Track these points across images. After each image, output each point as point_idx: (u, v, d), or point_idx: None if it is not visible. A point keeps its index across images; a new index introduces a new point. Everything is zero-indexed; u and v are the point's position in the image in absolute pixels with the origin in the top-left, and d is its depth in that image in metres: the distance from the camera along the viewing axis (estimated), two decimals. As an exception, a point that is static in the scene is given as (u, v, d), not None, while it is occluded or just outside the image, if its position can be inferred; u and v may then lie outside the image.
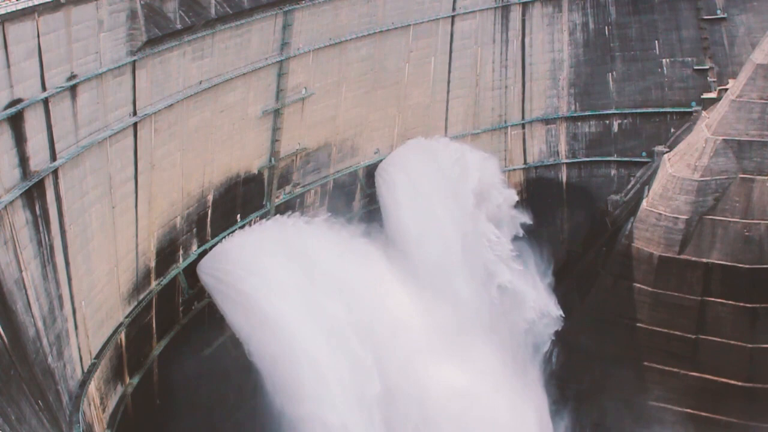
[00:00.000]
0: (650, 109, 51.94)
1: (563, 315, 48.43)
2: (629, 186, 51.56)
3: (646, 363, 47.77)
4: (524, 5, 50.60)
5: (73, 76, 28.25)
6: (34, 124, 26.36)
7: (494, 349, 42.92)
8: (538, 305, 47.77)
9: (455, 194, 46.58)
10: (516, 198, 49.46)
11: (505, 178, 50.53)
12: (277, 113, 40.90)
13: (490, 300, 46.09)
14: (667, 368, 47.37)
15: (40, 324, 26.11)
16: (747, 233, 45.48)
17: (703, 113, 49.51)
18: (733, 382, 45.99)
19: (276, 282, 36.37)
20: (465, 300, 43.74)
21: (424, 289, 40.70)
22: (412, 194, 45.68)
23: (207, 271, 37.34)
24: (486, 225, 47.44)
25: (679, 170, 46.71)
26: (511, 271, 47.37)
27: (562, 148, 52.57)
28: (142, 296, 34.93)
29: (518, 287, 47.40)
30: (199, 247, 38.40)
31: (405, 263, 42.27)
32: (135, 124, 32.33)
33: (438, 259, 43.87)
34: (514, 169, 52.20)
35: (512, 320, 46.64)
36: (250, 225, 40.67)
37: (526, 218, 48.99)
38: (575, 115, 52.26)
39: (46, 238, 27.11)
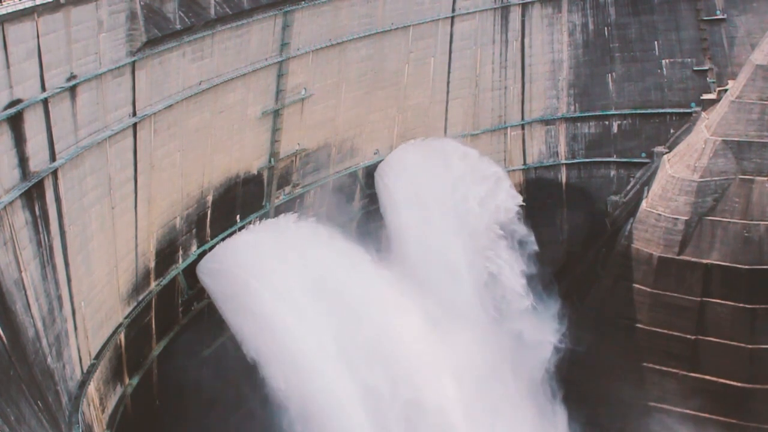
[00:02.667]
0: (650, 110, 51.96)
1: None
2: (629, 187, 51.58)
3: (645, 364, 47.76)
4: (524, 6, 50.61)
5: (72, 77, 28.25)
6: (33, 124, 26.35)
7: (516, 387, 43.14)
8: (552, 345, 47.92)
9: (458, 202, 46.45)
10: (533, 242, 48.72)
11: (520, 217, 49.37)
12: (276, 114, 40.90)
13: (500, 327, 46.01)
14: (666, 369, 47.36)
15: (39, 324, 26.11)
16: (746, 234, 45.48)
17: (703, 114, 49.53)
18: (732, 382, 45.99)
19: (276, 283, 36.40)
20: (472, 317, 43.66)
21: (428, 300, 40.56)
22: (411, 196, 45.66)
23: (207, 271, 37.35)
24: (497, 258, 47.28)
25: (679, 171, 46.72)
26: (523, 315, 47.32)
27: (562, 148, 52.59)
28: (141, 297, 34.92)
29: (531, 329, 47.45)
30: (198, 247, 38.40)
31: (406, 271, 42.30)
32: (134, 125, 32.33)
33: (439, 266, 43.81)
34: (514, 170, 52.17)
35: (526, 357, 46.75)
36: (250, 225, 40.67)
37: (534, 269, 48.49)
38: (575, 115, 52.28)
39: (46, 239, 27.11)
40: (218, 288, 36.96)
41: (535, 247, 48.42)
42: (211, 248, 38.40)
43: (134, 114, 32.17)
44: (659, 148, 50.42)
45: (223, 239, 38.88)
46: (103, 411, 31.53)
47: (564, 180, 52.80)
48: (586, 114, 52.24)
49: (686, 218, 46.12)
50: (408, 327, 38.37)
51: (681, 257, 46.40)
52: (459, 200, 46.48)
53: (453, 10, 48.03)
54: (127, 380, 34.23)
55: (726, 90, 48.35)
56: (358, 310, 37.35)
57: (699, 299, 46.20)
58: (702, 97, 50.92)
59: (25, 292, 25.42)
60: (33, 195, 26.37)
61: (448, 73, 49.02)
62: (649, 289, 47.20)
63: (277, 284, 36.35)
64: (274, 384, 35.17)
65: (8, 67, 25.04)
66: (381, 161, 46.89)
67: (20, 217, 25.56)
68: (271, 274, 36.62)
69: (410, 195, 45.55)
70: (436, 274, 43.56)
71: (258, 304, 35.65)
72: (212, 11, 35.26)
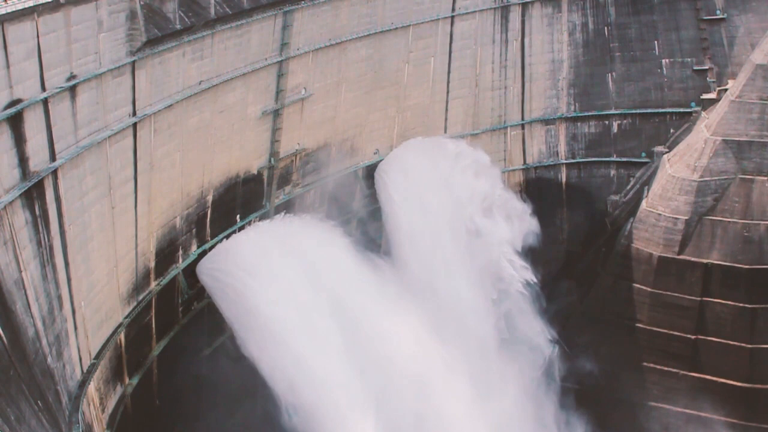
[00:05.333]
0: (650, 110, 51.94)
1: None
2: (629, 186, 51.58)
3: (645, 363, 47.78)
4: (524, 6, 50.60)
5: (72, 77, 28.24)
6: (33, 124, 26.35)
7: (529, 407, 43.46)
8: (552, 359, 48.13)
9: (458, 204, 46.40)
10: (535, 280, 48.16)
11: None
12: (276, 114, 40.90)
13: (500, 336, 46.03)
14: (666, 369, 47.39)
15: (39, 324, 26.11)
16: (746, 233, 45.51)
17: (703, 114, 49.54)
18: (732, 382, 46.02)
19: (276, 283, 36.39)
20: (477, 331, 43.65)
21: (425, 302, 40.54)
22: (410, 195, 45.63)
23: (207, 271, 37.34)
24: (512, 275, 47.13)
25: (679, 171, 46.73)
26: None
27: (562, 148, 52.58)
28: (141, 296, 34.92)
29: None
30: (198, 247, 38.40)
31: (407, 272, 42.31)
32: (134, 125, 32.33)
33: (440, 269, 43.81)
34: (514, 170, 52.18)
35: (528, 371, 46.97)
36: (250, 225, 40.67)
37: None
38: (575, 115, 52.27)
39: (46, 239, 27.11)
40: (218, 288, 36.95)
41: (544, 303, 48.39)
42: (211, 248, 38.39)
43: (134, 114, 32.16)
44: (659, 148, 50.44)
45: (223, 239, 38.87)
46: (103, 411, 31.53)
47: (564, 180, 52.78)
48: (586, 114, 52.22)
49: (686, 218, 46.13)
50: (408, 333, 38.40)
51: (681, 257, 46.42)
52: (459, 205, 46.44)
53: (453, 10, 48.01)
54: (127, 380, 34.23)
55: (726, 90, 48.36)
56: (359, 311, 37.40)
57: (699, 299, 46.23)
58: (702, 97, 50.91)
59: (25, 292, 25.42)
60: (33, 195, 26.37)
61: (448, 72, 49.01)
62: (649, 289, 47.21)
63: (277, 284, 36.34)
64: (269, 379, 35.25)
65: (8, 66, 25.04)
66: (381, 161, 46.87)
67: (20, 217, 25.57)
68: (272, 273, 36.61)
69: (410, 194, 45.53)
70: (437, 276, 43.57)
71: (258, 304, 35.64)
72: (212, 11, 35.25)
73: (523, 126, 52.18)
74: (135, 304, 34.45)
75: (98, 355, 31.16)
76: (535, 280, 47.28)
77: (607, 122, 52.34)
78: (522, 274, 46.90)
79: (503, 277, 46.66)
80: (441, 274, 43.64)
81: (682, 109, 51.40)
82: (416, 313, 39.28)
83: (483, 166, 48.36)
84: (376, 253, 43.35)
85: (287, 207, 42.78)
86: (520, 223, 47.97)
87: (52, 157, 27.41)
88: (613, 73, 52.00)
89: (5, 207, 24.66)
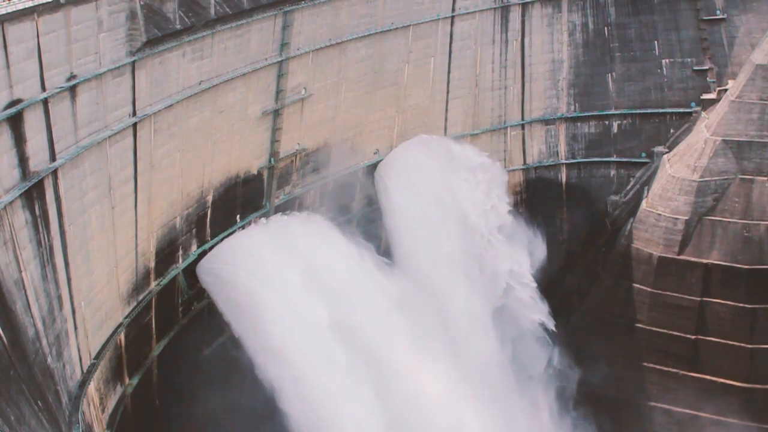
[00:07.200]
0: (650, 110, 51.93)
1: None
2: (629, 187, 51.58)
3: (645, 364, 47.77)
4: (524, 6, 50.59)
5: (72, 77, 28.26)
6: (33, 124, 26.37)
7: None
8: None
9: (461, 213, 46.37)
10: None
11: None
12: (276, 114, 40.91)
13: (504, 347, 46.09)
14: (666, 369, 47.38)
15: (39, 324, 26.12)
16: (746, 234, 45.51)
17: (703, 114, 49.54)
18: (732, 382, 46.02)
19: (276, 283, 36.39)
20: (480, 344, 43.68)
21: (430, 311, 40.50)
22: (410, 195, 45.62)
23: (207, 271, 37.36)
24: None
25: (679, 171, 46.73)
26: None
27: (562, 148, 52.58)
28: (141, 297, 34.93)
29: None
30: (198, 247, 38.41)
31: (406, 272, 42.33)
32: (134, 125, 32.34)
33: (440, 269, 43.79)
34: (514, 170, 52.18)
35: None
36: (250, 225, 40.69)
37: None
38: (575, 115, 52.27)
39: (46, 239, 27.12)
40: (218, 288, 36.96)
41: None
42: (211, 248, 38.41)
43: (134, 114, 32.18)
44: (659, 148, 50.43)
45: (223, 239, 38.88)
46: (103, 411, 31.54)
47: (564, 180, 52.78)
48: (586, 114, 52.20)
49: (686, 218, 46.13)
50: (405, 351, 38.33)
51: (681, 257, 46.42)
52: (458, 206, 46.43)
53: (453, 10, 48.00)
54: (127, 380, 34.25)
55: (726, 90, 48.36)
56: (361, 314, 37.40)
57: (699, 299, 46.23)
58: (702, 97, 50.91)
59: (25, 292, 25.43)
60: (33, 195, 26.38)
61: (448, 73, 49.00)
62: (649, 289, 47.21)
63: (277, 283, 36.34)
64: (268, 379, 35.26)
65: (8, 66, 25.05)
66: (381, 161, 46.88)
67: (20, 217, 25.58)
68: (272, 273, 36.61)
69: (409, 194, 45.53)
70: (437, 276, 43.54)
71: (258, 304, 35.65)
72: (212, 11, 35.25)
73: (523, 126, 52.18)
74: (135, 304, 34.46)
75: (98, 355, 31.18)
76: (552, 322, 47.66)
77: (607, 122, 52.34)
78: (539, 316, 47.20)
79: (516, 310, 46.90)
80: (444, 282, 43.64)
81: (682, 109, 51.39)
82: (421, 324, 39.21)
83: (497, 185, 48.27)
84: (377, 251, 43.29)
85: (287, 207, 42.80)
86: (531, 253, 48.13)
87: (52, 157, 27.42)
88: (613, 73, 52.00)
89: (5, 207, 24.67)
